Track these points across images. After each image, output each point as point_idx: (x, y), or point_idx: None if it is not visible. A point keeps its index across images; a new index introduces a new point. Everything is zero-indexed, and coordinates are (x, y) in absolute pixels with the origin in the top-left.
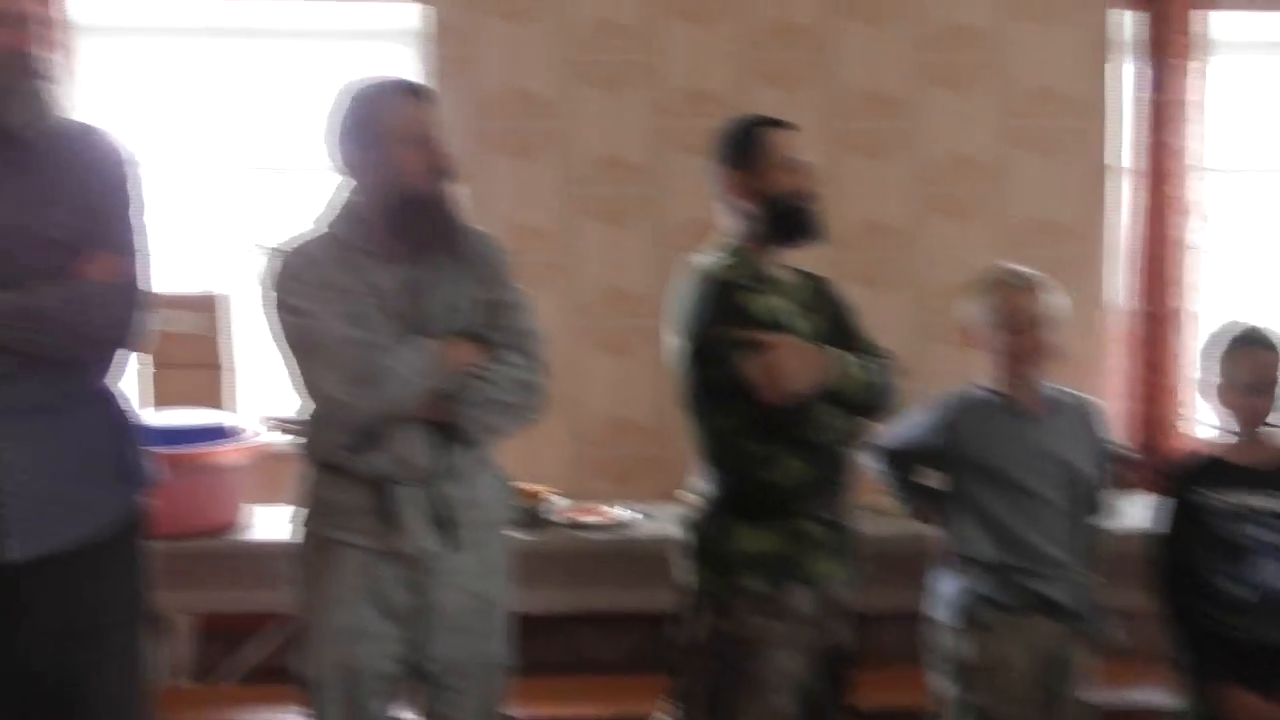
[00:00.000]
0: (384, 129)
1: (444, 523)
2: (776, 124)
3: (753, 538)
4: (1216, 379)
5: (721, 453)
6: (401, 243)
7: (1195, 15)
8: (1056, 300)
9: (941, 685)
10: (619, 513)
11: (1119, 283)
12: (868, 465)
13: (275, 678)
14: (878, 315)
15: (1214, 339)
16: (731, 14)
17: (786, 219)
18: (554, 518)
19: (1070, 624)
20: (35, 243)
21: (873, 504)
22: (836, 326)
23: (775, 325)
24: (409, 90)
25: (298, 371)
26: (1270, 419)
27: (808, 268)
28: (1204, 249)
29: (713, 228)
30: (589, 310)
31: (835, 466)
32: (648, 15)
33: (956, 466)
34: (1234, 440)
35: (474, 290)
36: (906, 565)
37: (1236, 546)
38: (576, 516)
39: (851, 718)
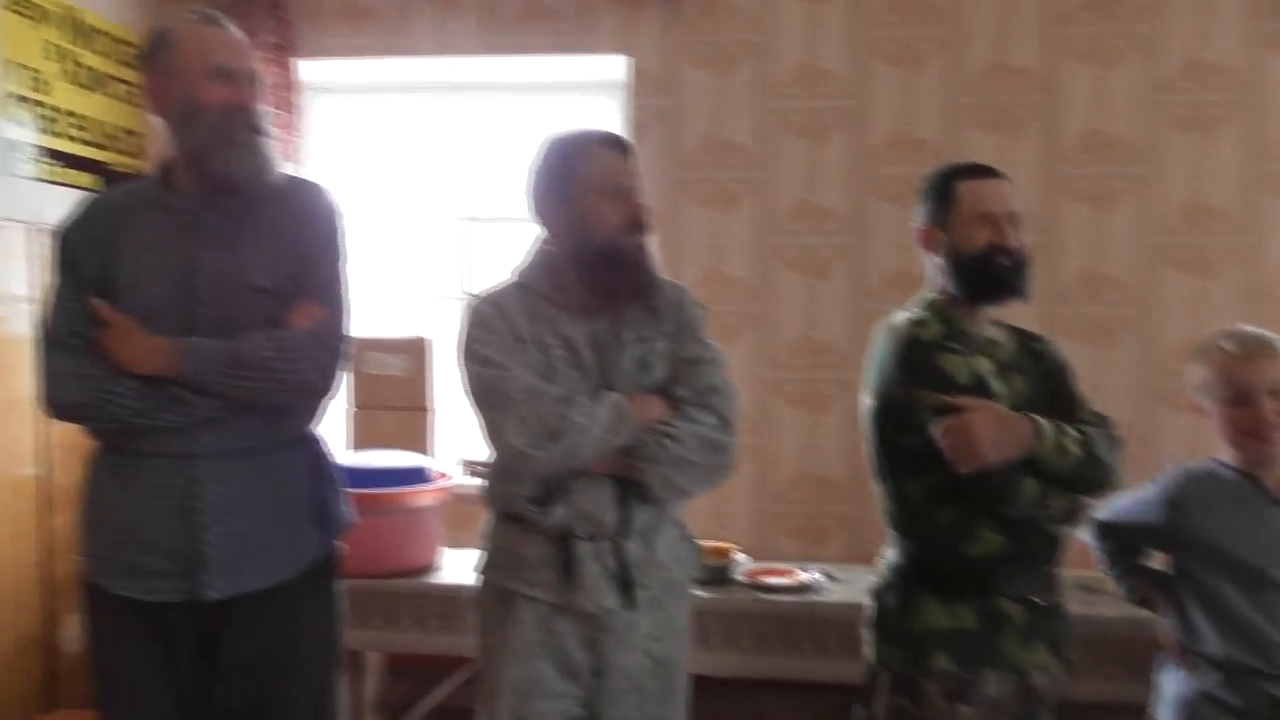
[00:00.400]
0: (580, 180)
1: (624, 581)
2: (976, 173)
3: (942, 614)
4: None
5: (910, 520)
6: (594, 295)
7: None
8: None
9: None
10: (806, 575)
11: None
12: (1086, 541)
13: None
14: (1102, 376)
15: None
16: (943, 57)
17: (979, 276)
18: (739, 577)
19: None
20: (248, 292)
21: (1091, 584)
22: (1050, 390)
23: (974, 388)
24: (606, 142)
25: (483, 421)
26: None
27: (1020, 324)
28: None
29: (915, 279)
30: (783, 362)
31: (1040, 542)
32: (854, 61)
33: (1184, 549)
34: None
35: (666, 346)
36: (1126, 653)
37: None
38: (762, 577)
39: None
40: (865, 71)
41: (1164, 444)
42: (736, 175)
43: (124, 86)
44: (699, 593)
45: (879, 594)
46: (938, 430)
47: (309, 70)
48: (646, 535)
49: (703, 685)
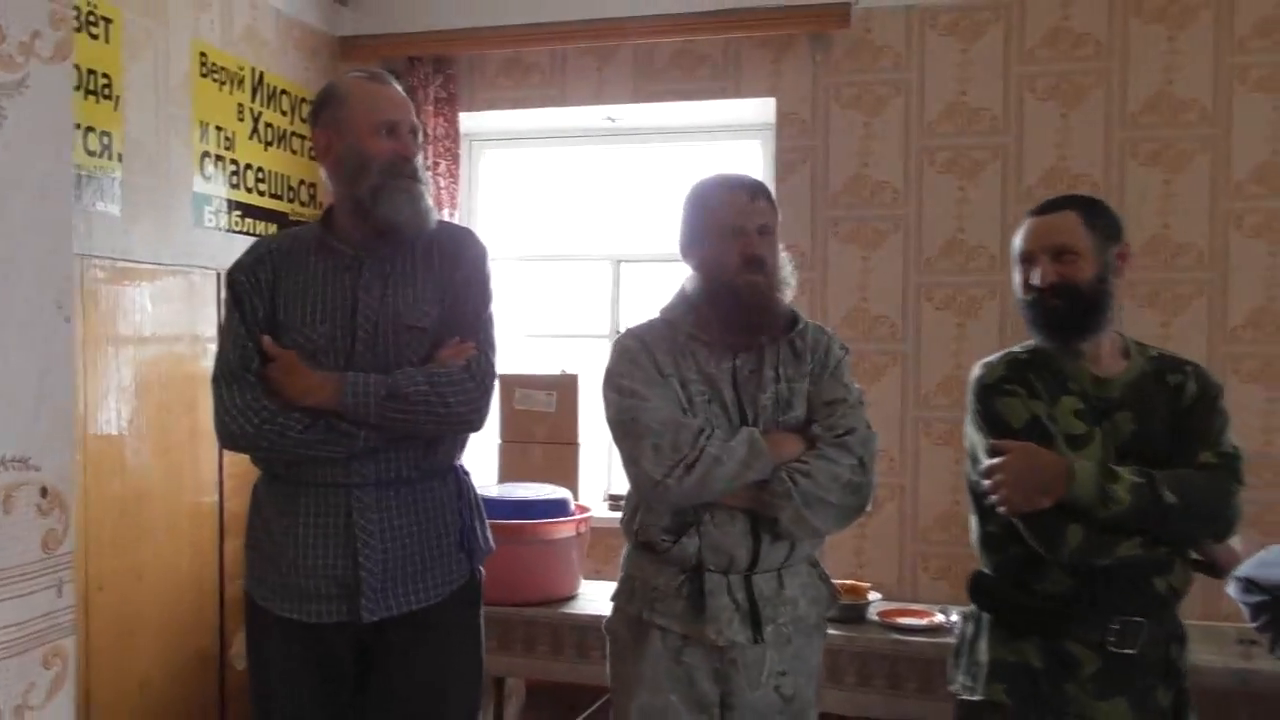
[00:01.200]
0: (706, 222)
1: (753, 615)
2: (1038, 210)
3: (1008, 647)
4: None
5: (986, 553)
6: (723, 331)
7: None
8: None
9: None
10: (941, 617)
11: None
12: (1234, 594)
13: None
14: (1273, 419)
15: None
16: (1101, 91)
17: (1027, 317)
18: (873, 616)
19: None
20: (404, 331)
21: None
22: (1176, 425)
23: (1028, 430)
24: (732, 184)
25: (621, 450)
26: None
27: (1164, 353)
28: None
29: None
30: (929, 401)
31: (1122, 589)
32: (1007, 97)
33: None
34: None
35: (806, 385)
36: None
37: None
38: (897, 618)
39: None
40: (1019, 108)
41: None
42: (884, 214)
43: (302, 141)
44: (833, 631)
45: (963, 623)
46: (983, 472)
47: (472, 121)
48: (778, 572)
49: None
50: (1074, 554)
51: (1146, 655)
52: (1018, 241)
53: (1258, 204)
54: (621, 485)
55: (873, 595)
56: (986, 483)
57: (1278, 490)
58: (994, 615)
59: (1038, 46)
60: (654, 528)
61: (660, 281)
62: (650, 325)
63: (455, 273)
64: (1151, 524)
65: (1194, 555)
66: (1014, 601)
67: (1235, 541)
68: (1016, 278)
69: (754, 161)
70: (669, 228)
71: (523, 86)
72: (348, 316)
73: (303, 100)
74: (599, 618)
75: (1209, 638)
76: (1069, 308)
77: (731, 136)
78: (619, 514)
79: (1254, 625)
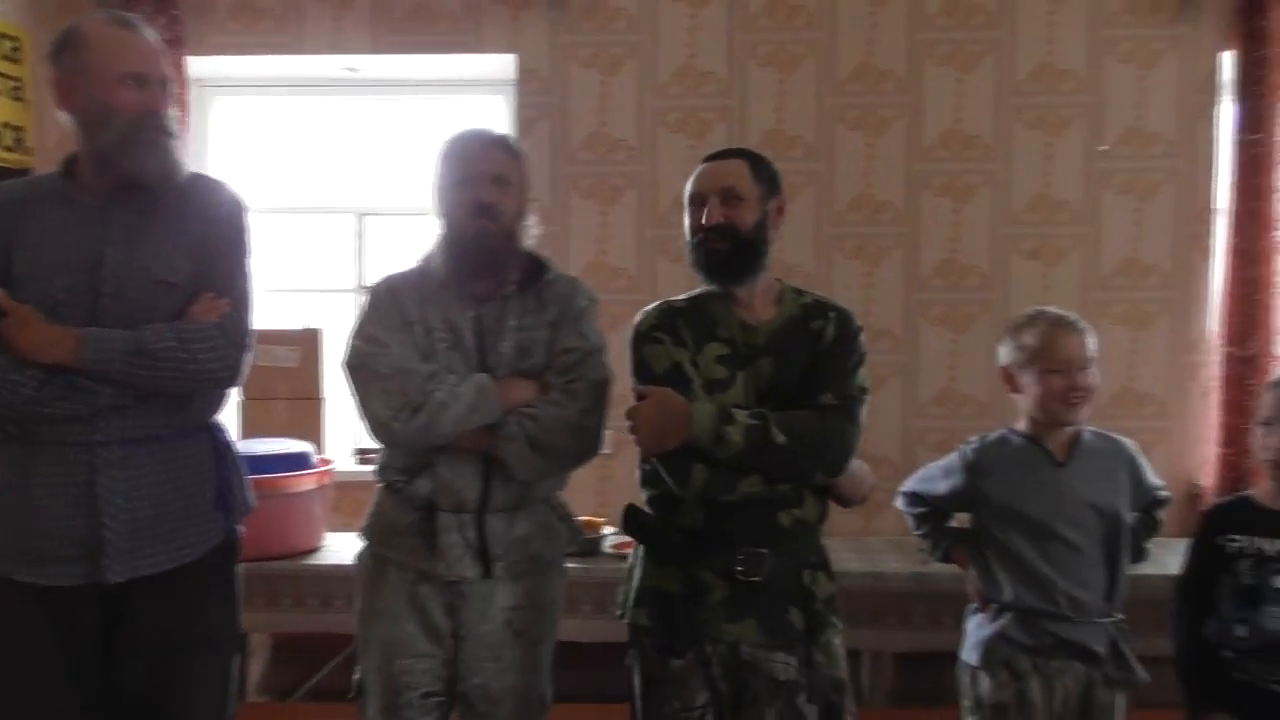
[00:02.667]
0: (444, 173)
1: (483, 553)
2: (711, 157)
3: (652, 574)
4: (1256, 417)
5: (643, 486)
6: (459, 279)
7: None
8: (1093, 342)
9: None
10: None
11: (1212, 325)
12: (901, 506)
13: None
14: (959, 357)
15: (1270, 380)
16: (813, 59)
17: (692, 259)
18: (607, 549)
19: (1099, 669)
20: (155, 285)
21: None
22: (810, 368)
23: (668, 376)
24: (466, 135)
25: (354, 393)
26: None
27: (820, 297)
28: None
29: (782, 270)
30: None
31: (746, 525)
32: (731, 62)
33: (983, 510)
34: (1271, 483)
35: (547, 334)
36: (959, 606)
37: (1254, 590)
38: (626, 549)
39: None
40: (742, 73)
41: (1010, 415)
42: (620, 170)
43: (6, 81)
44: (571, 564)
45: (631, 554)
46: (628, 416)
47: (201, 66)
48: (510, 511)
49: (573, 651)
50: (700, 491)
51: (776, 582)
52: (690, 185)
53: (945, 166)
54: (368, 439)
55: (607, 530)
56: (628, 424)
57: (959, 419)
58: (643, 545)
59: (759, 15)
60: (391, 469)
61: (406, 235)
62: (406, 273)
63: (209, 227)
64: (764, 462)
65: (825, 484)
66: (657, 533)
67: (865, 471)
68: (687, 220)
69: (498, 117)
70: (414, 181)
71: (254, 31)
72: (90, 270)
73: (6, 36)
74: (342, 567)
75: (897, 548)
76: (732, 249)
77: (475, 91)
78: (369, 467)
79: (917, 534)
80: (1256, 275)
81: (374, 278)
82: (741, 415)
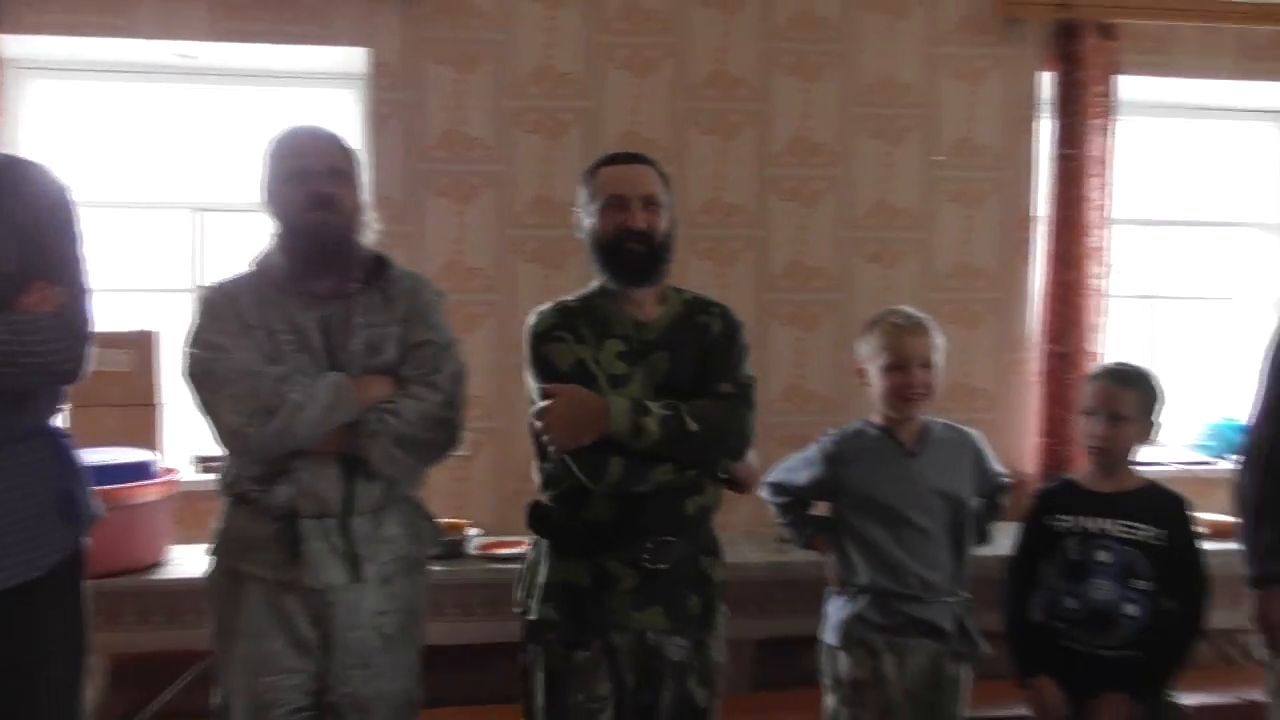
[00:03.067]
0: (276, 169)
1: (351, 557)
2: (615, 159)
3: (559, 568)
4: (1080, 408)
5: (546, 486)
6: (301, 275)
7: (1108, 78)
8: (939, 342)
9: (829, 703)
10: None
11: (1033, 325)
12: (763, 498)
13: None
14: (806, 355)
15: (1089, 373)
16: (669, 64)
17: (608, 258)
18: (472, 551)
19: (947, 645)
20: None
21: (770, 535)
22: (702, 361)
23: (574, 374)
24: (296, 130)
25: (200, 402)
26: (1130, 450)
27: (699, 295)
28: (1108, 294)
29: None
30: (520, 349)
31: (655, 514)
32: (588, 63)
33: (841, 498)
34: (1093, 467)
35: (398, 330)
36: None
37: (1079, 565)
38: (493, 549)
39: None
40: (600, 75)
41: (857, 412)
42: (476, 169)
43: None
44: (435, 568)
45: (530, 550)
46: (535, 415)
47: (14, 45)
48: (375, 513)
49: (438, 655)
50: (617, 483)
51: (678, 569)
52: (604, 186)
53: (793, 171)
54: (211, 447)
55: (471, 531)
56: (538, 424)
57: (805, 414)
58: (550, 541)
59: (615, 19)
60: (244, 478)
61: (248, 232)
62: (238, 278)
63: (36, 213)
64: (679, 450)
65: (721, 475)
66: (565, 528)
67: (753, 458)
68: (593, 220)
69: (348, 112)
70: (255, 176)
71: (78, 11)
72: None
73: None
74: (189, 581)
75: (753, 539)
76: (649, 253)
77: (323, 85)
78: (211, 475)
79: (780, 523)
80: (1072, 278)
81: (213, 277)
82: (655, 406)
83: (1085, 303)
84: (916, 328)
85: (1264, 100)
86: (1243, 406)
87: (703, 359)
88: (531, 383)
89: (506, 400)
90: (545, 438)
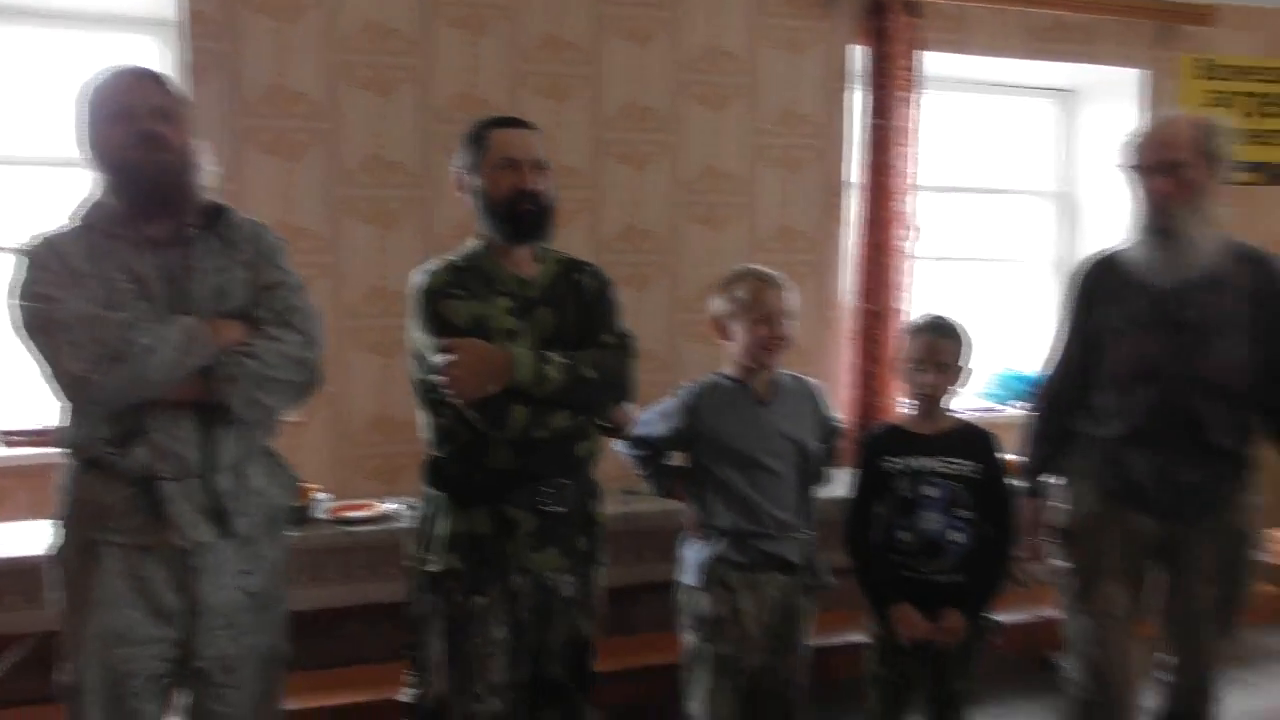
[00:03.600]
0: (96, 112)
1: (218, 512)
2: (505, 123)
3: (460, 519)
4: (904, 359)
5: (439, 441)
6: (135, 219)
7: (914, 54)
8: (793, 296)
9: (689, 641)
10: (386, 506)
11: (847, 284)
12: (621, 450)
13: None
14: (640, 315)
15: (906, 326)
16: (503, 24)
17: (505, 218)
18: (321, 515)
19: (797, 578)
20: None
21: (628, 486)
22: (584, 316)
23: (472, 329)
24: (117, 70)
25: (36, 352)
26: (948, 395)
27: (569, 255)
28: (914, 256)
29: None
30: (355, 310)
31: (553, 458)
32: (419, 21)
33: (699, 447)
34: (915, 412)
35: (244, 274)
36: (661, 540)
37: (909, 501)
38: (343, 513)
39: (590, 700)
40: (431, 32)
41: (685, 369)
42: (302, 125)
43: None
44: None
45: (423, 505)
46: (438, 369)
47: None
48: (237, 467)
49: (300, 621)
50: (519, 430)
51: (571, 511)
52: (496, 148)
53: (625, 135)
54: (21, 419)
55: (320, 496)
56: (439, 378)
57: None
58: (449, 494)
59: None
60: (96, 441)
61: (56, 187)
62: (61, 231)
63: None
64: (578, 397)
65: (601, 422)
66: (464, 480)
67: (628, 407)
68: (484, 181)
69: (157, 63)
70: (56, 126)
71: None
72: None
73: None
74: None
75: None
76: (539, 213)
77: (130, 30)
78: (15, 450)
79: (641, 474)
80: (882, 241)
81: (7, 234)
82: (555, 356)
83: (894, 264)
84: (777, 283)
85: (1047, 79)
86: (1025, 358)
87: (582, 314)
88: (422, 339)
89: (342, 365)
90: (449, 390)
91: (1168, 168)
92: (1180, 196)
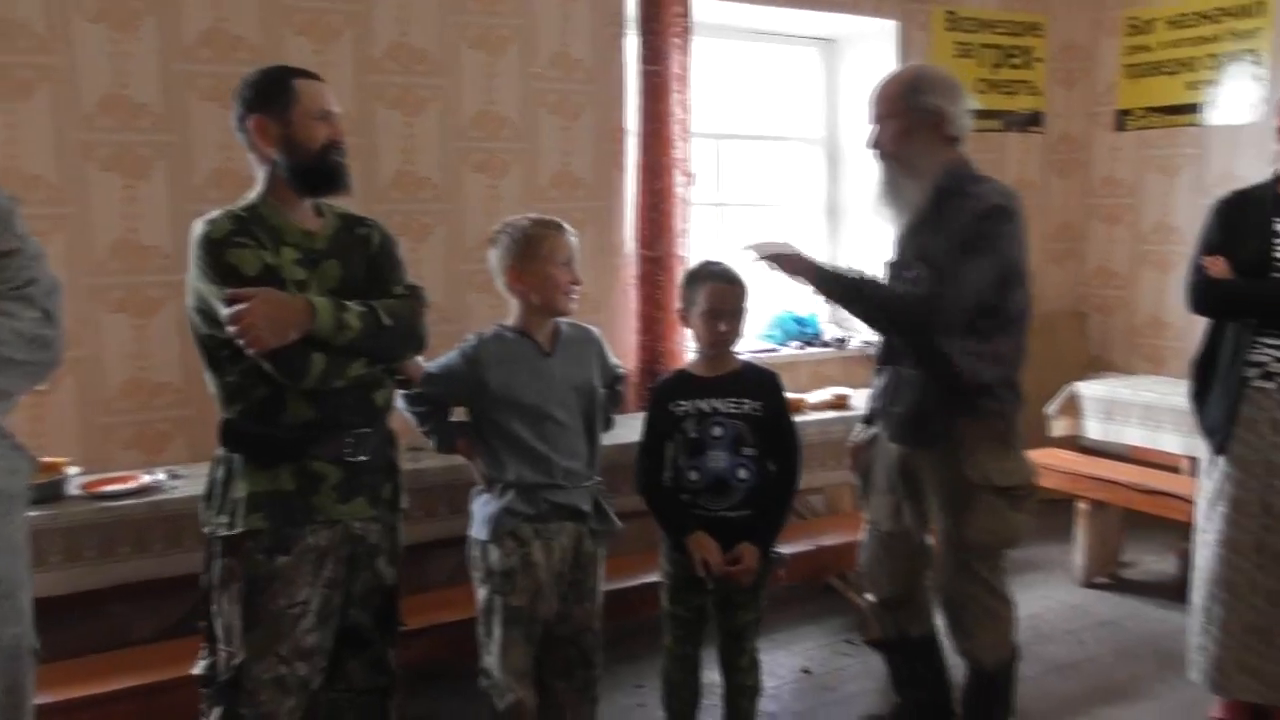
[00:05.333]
0: None
1: None
2: (307, 75)
3: (260, 479)
4: (689, 306)
5: (230, 400)
6: None
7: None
8: (575, 242)
9: (481, 595)
10: (149, 478)
11: (629, 231)
12: (401, 408)
13: None
14: (421, 266)
15: (688, 274)
16: None
17: (317, 170)
18: (74, 491)
19: (585, 524)
20: None
21: (414, 443)
22: (370, 269)
23: (263, 278)
24: None
25: None
26: (732, 339)
27: (348, 210)
28: (691, 202)
29: (239, 178)
30: (102, 267)
31: (353, 408)
32: None
33: (485, 401)
34: (701, 357)
35: None
36: (451, 495)
37: (698, 442)
38: (100, 486)
39: (395, 647)
40: None
41: (470, 320)
42: (28, 61)
43: None
44: (31, 513)
45: (212, 470)
46: (229, 320)
47: None
48: None
49: (45, 606)
50: (318, 379)
51: (374, 459)
52: (307, 99)
53: (395, 79)
54: None
55: (71, 470)
56: (232, 329)
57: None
58: (246, 454)
59: None
60: None
61: None
62: None
63: None
64: (376, 345)
65: (395, 374)
66: (263, 437)
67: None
68: (291, 130)
69: None
70: None
71: None
72: None
73: None
74: None
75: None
76: (343, 164)
77: None
78: None
79: (422, 430)
80: (661, 187)
81: None
82: (353, 304)
83: (672, 210)
84: (563, 228)
85: (810, 28)
86: (799, 300)
87: (368, 268)
88: (207, 290)
89: (90, 326)
90: (243, 339)
91: (875, 119)
92: (889, 145)
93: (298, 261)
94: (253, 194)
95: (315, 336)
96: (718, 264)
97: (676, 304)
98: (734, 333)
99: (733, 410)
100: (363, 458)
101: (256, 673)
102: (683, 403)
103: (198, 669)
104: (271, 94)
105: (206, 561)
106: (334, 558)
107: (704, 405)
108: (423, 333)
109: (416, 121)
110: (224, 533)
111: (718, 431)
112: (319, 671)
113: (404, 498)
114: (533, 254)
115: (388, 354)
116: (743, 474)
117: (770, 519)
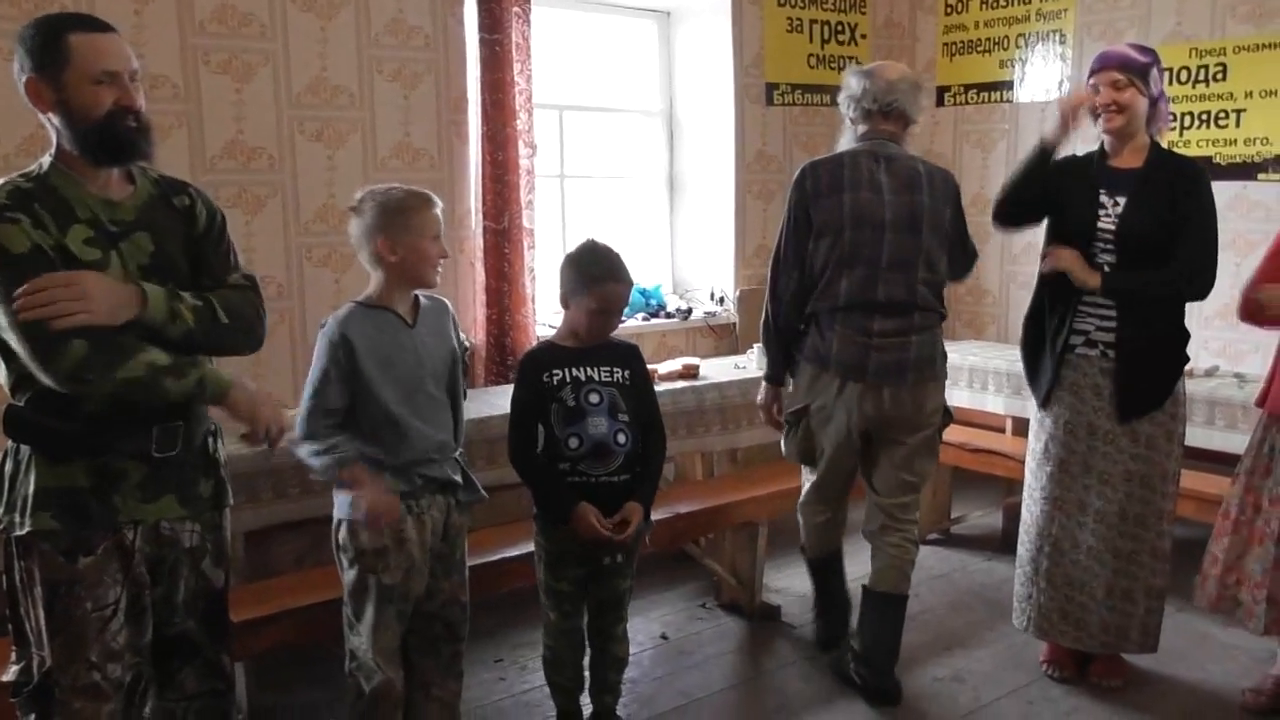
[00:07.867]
0: None
1: None
2: (91, 25)
3: (49, 474)
4: (574, 297)
5: (17, 389)
6: None
7: None
8: (440, 213)
9: (350, 576)
10: None
11: (473, 203)
12: (305, 459)
13: None
14: (253, 239)
15: (579, 267)
16: None
17: (101, 140)
18: None
19: (454, 495)
20: None
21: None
22: (195, 249)
23: (32, 257)
24: None
25: None
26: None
27: (162, 175)
28: (535, 173)
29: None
30: None
31: (152, 401)
32: None
33: (354, 379)
34: (567, 335)
35: None
36: (295, 477)
37: (576, 409)
38: None
39: (229, 651)
40: None
41: (307, 296)
42: None
43: None
44: None
45: (2, 462)
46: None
47: None
48: None
49: None
50: (75, 367)
51: (187, 454)
52: (88, 57)
53: (222, 42)
54: None
55: None
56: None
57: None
58: (35, 447)
59: None
60: None
61: None
62: None
63: None
64: (209, 340)
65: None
66: (55, 429)
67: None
68: (70, 94)
69: None
70: None
71: None
72: None
73: None
74: None
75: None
76: (144, 132)
77: None
78: None
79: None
80: (504, 158)
81: None
82: (188, 296)
83: (517, 182)
84: (431, 201)
85: (646, 0)
86: (643, 272)
87: (192, 246)
88: None
89: None
90: (64, 309)
91: None
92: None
93: (89, 240)
94: (46, 159)
95: (146, 325)
96: (610, 259)
97: (558, 289)
98: (614, 328)
99: (606, 378)
100: (171, 453)
101: (66, 681)
102: (557, 371)
103: (9, 675)
104: (44, 52)
105: (7, 562)
106: (141, 558)
107: (579, 373)
108: (262, 332)
109: (246, 88)
110: (16, 532)
111: (594, 398)
112: (133, 667)
113: (227, 494)
114: (404, 225)
115: (222, 349)
116: (621, 439)
117: (648, 481)
